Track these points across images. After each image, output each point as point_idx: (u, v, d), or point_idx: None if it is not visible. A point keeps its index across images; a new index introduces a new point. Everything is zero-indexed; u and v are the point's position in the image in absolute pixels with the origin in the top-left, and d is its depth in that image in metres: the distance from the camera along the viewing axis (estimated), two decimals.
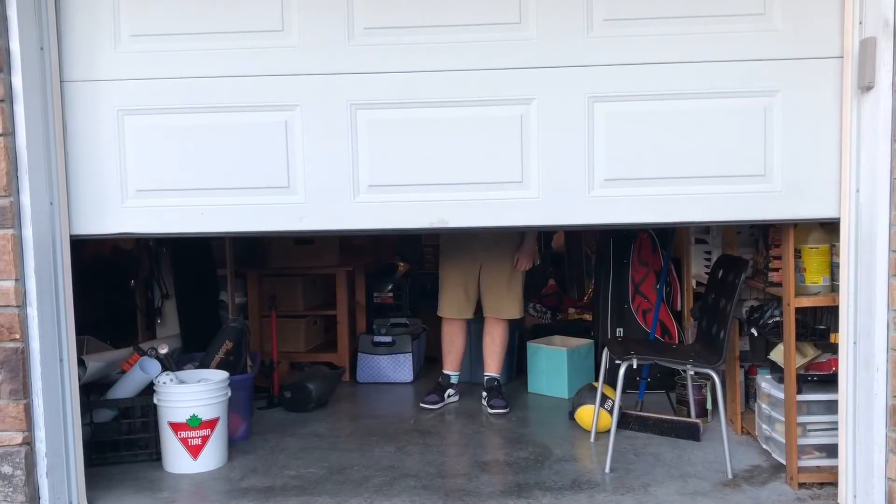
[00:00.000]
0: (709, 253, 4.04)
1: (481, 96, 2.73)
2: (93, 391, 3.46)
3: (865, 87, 2.56)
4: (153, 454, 3.42)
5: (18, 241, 2.56)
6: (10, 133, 2.54)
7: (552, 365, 4.42)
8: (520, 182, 2.75)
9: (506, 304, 4.19)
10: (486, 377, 4.27)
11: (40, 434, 2.63)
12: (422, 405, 4.21)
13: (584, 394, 3.81)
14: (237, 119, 2.75)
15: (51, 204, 2.68)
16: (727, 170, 2.72)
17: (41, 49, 2.62)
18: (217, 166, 2.77)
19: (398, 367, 4.79)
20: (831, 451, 2.90)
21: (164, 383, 3.34)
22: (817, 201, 2.71)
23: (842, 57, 2.63)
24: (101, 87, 2.73)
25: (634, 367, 3.33)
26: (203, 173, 2.77)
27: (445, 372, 4.34)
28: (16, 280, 2.56)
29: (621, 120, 2.72)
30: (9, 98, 2.52)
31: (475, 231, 3.63)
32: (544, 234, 8.03)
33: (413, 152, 2.75)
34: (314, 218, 2.77)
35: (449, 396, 4.29)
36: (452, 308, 4.25)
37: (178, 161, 2.77)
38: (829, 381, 2.93)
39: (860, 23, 2.57)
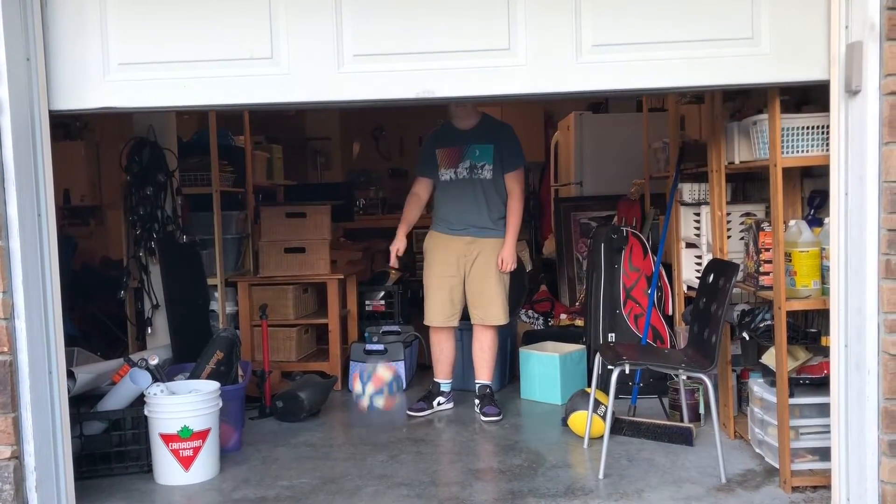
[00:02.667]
0: (699, 257, 4.05)
1: None
2: (82, 403, 3.43)
3: (853, 91, 2.57)
4: (144, 466, 3.39)
5: (6, 253, 2.54)
6: None
7: (545, 371, 4.41)
8: (507, 49, 2.71)
9: (492, 311, 4.17)
10: (477, 385, 4.25)
11: (29, 448, 2.60)
12: (408, 413, 4.20)
13: (576, 400, 3.80)
14: None
15: (38, 215, 2.66)
16: (715, 33, 2.67)
17: (27, 59, 2.61)
18: (200, 38, 2.71)
19: None
20: (824, 454, 2.90)
21: (155, 394, 3.31)
22: (805, 63, 2.66)
23: None
24: None
25: (627, 372, 3.33)
26: (186, 45, 2.72)
27: (436, 380, 4.32)
28: (3, 292, 2.53)
29: None
30: None
31: (461, 100, 3.53)
32: (535, 241, 8.06)
33: (399, 20, 2.70)
34: (298, 89, 2.73)
35: (439, 404, 4.27)
36: (438, 316, 4.22)
37: (161, 33, 2.72)
38: (822, 385, 2.94)
39: (846, 27, 2.58)
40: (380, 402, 4.03)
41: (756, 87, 2.95)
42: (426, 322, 4.29)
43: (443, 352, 4.30)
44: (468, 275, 4.18)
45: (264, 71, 2.73)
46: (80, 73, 2.72)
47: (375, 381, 4.03)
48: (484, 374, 4.24)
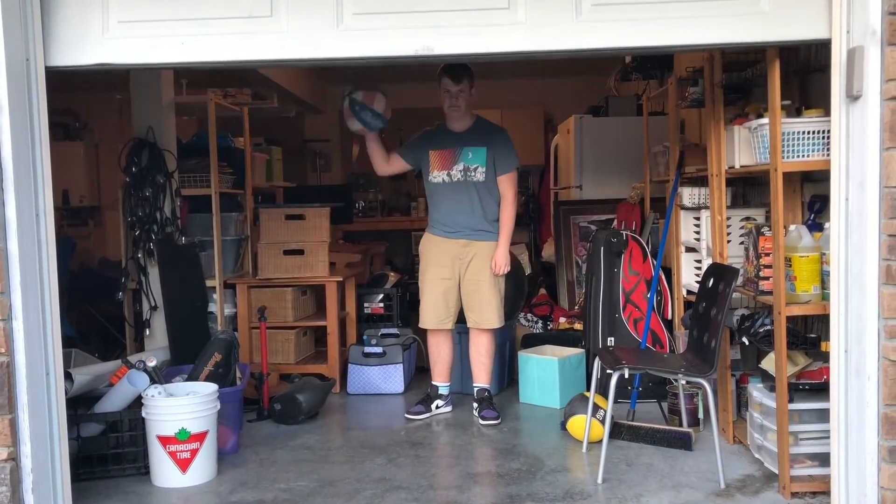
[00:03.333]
0: (699, 261, 4.04)
1: None
2: (80, 405, 3.42)
3: (853, 96, 2.56)
4: (141, 468, 3.38)
5: (4, 254, 2.53)
6: None
7: (544, 375, 4.41)
8: (507, 8, 2.70)
9: (486, 314, 4.15)
10: (475, 388, 4.24)
11: (26, 449, 2.59)
12: (406, 415, 4.19)
13: (575, 404, 3.79)
14: None
15: (36, 216, 2.65)
16: None
17: (27, 60, 2.60)
18: None
19: (389, 378, 4.76)
20: (824, 459, 2.89)
21: (153, 396, 3.30)
22: (806, 23, 2.64)
23: None
24: None
25: (626, 376, 3.32)
26: (186, 3, 2.72)
27: (434, 383, 4.31)
28: (0, 293, 2.52)
29: None
30: None
31: (460, 59, 3.52)
32: (534, 244, 8.06)
33: None
34: (297, 47, 2.72)
35: (438, 408, 4.26)
36: (432, 319, 4.20)
37: None
38: (821, 390, 2.93)
39: (847, 32, 2.58)
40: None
41: (757, 46, 2.93)
42: (421, 325, 4.29)
43: (440, 355, 4.29)
44: (463, 277, 4.16)
45: (263, 28, 2.73)
46: (78, 30, 2.71)
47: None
48: (482, 377, 4.24)
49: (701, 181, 3.98)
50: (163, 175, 4.47)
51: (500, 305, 4.20)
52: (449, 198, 4.15)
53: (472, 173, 4.11)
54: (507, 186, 4.14)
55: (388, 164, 4.34)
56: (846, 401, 2.66)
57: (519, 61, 3.93)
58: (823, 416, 2.85)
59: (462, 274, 4.16)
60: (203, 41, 2.74)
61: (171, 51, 2.75)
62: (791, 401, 2.99)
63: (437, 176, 4.17)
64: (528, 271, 5.77)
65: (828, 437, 2.78)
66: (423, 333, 4.45)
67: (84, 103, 8.68)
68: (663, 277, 4.41)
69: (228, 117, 5.26)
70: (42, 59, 2.67)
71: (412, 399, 4.44)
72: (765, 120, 3.07)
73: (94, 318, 5.62)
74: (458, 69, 4.13)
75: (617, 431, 3.71)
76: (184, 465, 3.27)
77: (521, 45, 2.73)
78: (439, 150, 4.18)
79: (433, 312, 4.20)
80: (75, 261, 5.97)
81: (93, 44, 2.73)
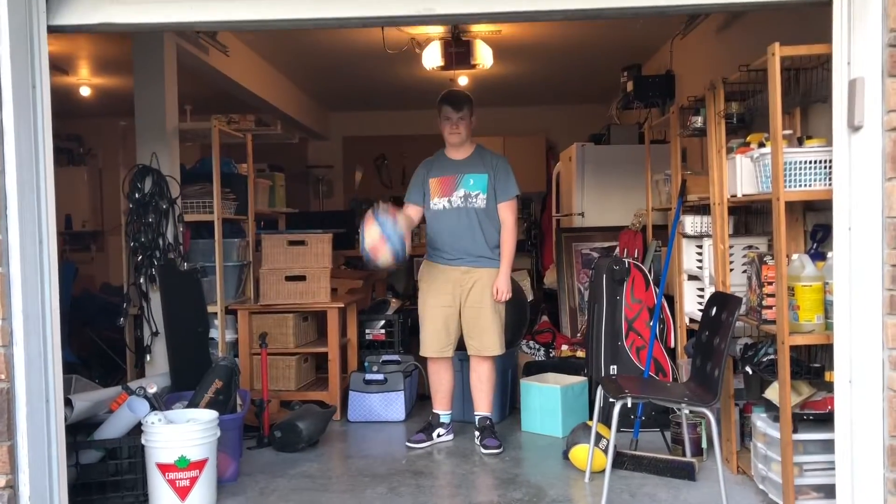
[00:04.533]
0: (701, 290, 4.03)
1: None
2: (79, 431, 3.40)
3: (855, 127, 2.57)
4: (140, 496, 3.36)
5: (6, 280, 2.53)
6: (0, 170, 2.52)
7: (546, 403, 4.38)
8: None
9: (487, 341, 4.13)
10: (477, 416, 4.22)
11: (24, 477, 2.56)
12: (407, 444, 4.17)
13: (578, 433, 3.77)
14: None
15: (39, 241, 2.65)
16: None
17: (33, 87, 2.62)
18: None
19: (390, 406, 4.73)
20: (829, 491, 2.86)
21: (153, 423, 3.28)
22: None
23: None
24: None
25: (629, 405, 3.30)
26: None
27: (435, 411, 4.29)
28: (2, 319, 2.52)
29: None
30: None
31: (461, 20, 3.46)
32: (536, 271, 8.05)
33: None
34: (299, 6, 2.71)
35: (439, 436, 4.23)
36: (433, 346, 4.17)
37: None
38: (826, 420, 2.91)
39: (848, 63, 2.59)
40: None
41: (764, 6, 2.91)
42: (421, 353, 4.26)
43: (441, 383, 4.26)
44: (464, 304, 4.14)
45: None
46: None
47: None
48: (483, 405, 4.21)
49: (703, 209, 3.98)
50: (166, 201, 4.49)
51: (501, 332, 4.18)
52: (449, 225, 4.14)
53: (473, 200, 4.11)
54: (507, 213, 4.14)
55: (417, 218, 4.27)
56: (851, 432, 2.64)
57: (522, 22, 3.83)
58: (828, 446, 2.83)
59: (463, 301, 4.14)
60: (205, 2, 2.72)
61: (175, 12, 2.73)
62: (795, 431, 2.97)
63: (437, 203, 4.16)
64: (530, 298, 5.76)
65: (833, 469, 2.75)
66: (424, 361, 4.43)
67: (88, 129, 8.74)
68: (666, 305, 4.40)
69: (232, 143, 5.28)
70: (48, 77, 2.67)
71: (413, 427, 4.41)
72: (767, 149, 3.08)
73: (95, 344, 5.61)
74: (459, 97, 4.16)
75: (620, 461, 3.68)
76: (183, 493, 3.24)
77: (524, 6, 2.70)
78: (439, 178, 4.18)
79: (434, 340, 4.17)
80: (77, 286, 5.97)
81: (97, 3, 2.71)
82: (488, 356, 4.16)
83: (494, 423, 4.25)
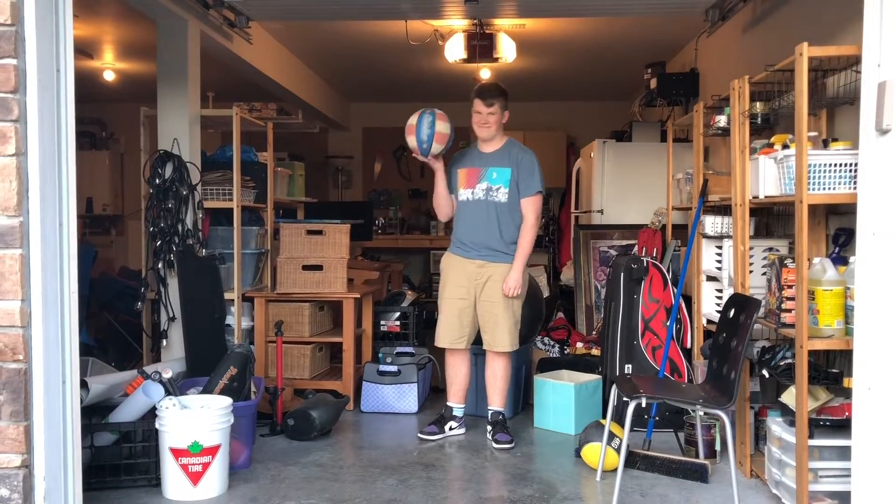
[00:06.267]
0: (720, 291, 4.00)
1: None
2: (94, 414, 3.43)
3: (882, 130, 2.53)
4: (153, 480, 3.38)
5: (26, 262, 2.55)
6: (23, 153, 2.54)
7: (559, 400, 4.37)
8: None
9: (498, 337, 4.12)
10: (490, 411, 4.21)
11: (39, 457, 2.58)
12: (419, 435, 4.17)
13: (591, 431, 3.75)
14: None
15: (60, 224, 2.67)
16: None
17: (57, 71, 2.63)
18: None
19: (403, 398, 4.74)
20: (844, 498, 2.83)
21: (167, 408, 3.30)
22: None
23: None
24: None
25: (643, 405, 3.28)
26: None
27: (449, 404, 4.29)
28: (22, 300, 2.53)
29: None
30: (23, 118, 2.52)
31: None
32: (553, 267, 8.02)
33: None
34: None
35: (451, 429, 4.22)
36: (445, 337, 4.19)
37: None
38: (843, 427, 2.88)
39: (878, 65, 2.55)
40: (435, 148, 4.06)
41: None
42: (436, 343, 4.27)
43: (457, 375, 4.26)
44: (478, 298, 4.14)
45: None
46: None
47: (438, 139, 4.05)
48: (496, 400, 4.20)
49: (724, 210, 3.95)
50: (186, 187, 4.50)
51: (514, 329, 4.16)
52: (469, 216, 4.16)
53: (494, 193, 4.11)
54: (528, 209, 4.12)
55: (451, 206, 4.28)
56: (869, 439, 2.61)
57: None
58: (844, 453, 2.80)
59: (477, 295, 4.14)
60: None
61: None
62: (811, 437, 2.94)
63: (462, 194, 4.18)
64: (546, 294, 5.74)
65: (849, 476, 2.72)
66: (439, 354, 4.43)
67: (111, 113, 8.80)
68: (683, 306, 4.36)
69: (253, 132, 5.30)
70: (72, 61, 2.67)
71: (426, 419, 4.41)
72: (791, 151, 3.04)
73: (112, 327, 5.65)
74: (490, 91, 4.16)
75: (632, 461, 3.66)
76: (195, 478, 3.26)
77: None
78: (466, 168, 4.21)
79: (447, 331, 4.19)
80: (96, 269, 6.02)
81: None
82: (501, 352, 4.15)
83: (507, 418, 4.24)
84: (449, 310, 4.17)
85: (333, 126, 9.35)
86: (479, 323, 4.18)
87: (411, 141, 4.08)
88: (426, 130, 4.02)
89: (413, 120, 4.08)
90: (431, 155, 4.09)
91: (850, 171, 2.89)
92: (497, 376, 4.19)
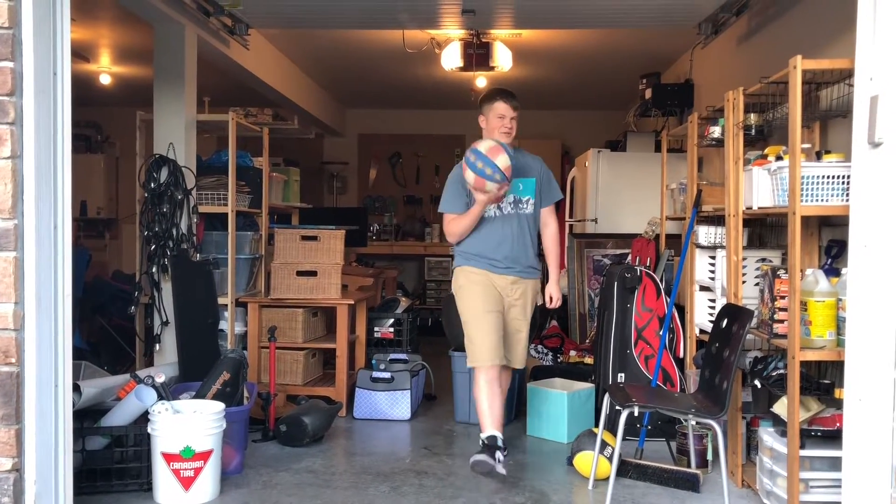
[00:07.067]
0: (713, 301, 4.01)
1: None
2: (86, 417, 3.42)
3: (875, 143, 2.55)
4: (144, 484, 3.37)
5: (20, 264, 2.54)
6: (18, 156, 2.54)
7: (552, 408, 4.37)
8: None
9: (520, 353, 3.91)
10: (484, 437, 3.61)
11: (30, 461, 2.57)
12: (481, 460, 3.45)
13: (583, 439, 3.76)
14: None
15: (54, 227, 2.66)
16: None
17: (54, 74, 2.63)
18: None
19: (396, 404, 4.73)
20: None
21: (159, 413, 3.30)
22: None
23: None
24: None
25: (636, 414, 3.29)
26: None
27: (493, 433, 3.57)
28: (15, 303, 2.53)
29: None
30: (19, 121, 2.52)
31: None
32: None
33: None
34: None
35: (500, 461, 3.51)
36: (491, 354, 3.66)
37: None
38: (834, 437, 2.89)
39: (871, 79, 2.57)
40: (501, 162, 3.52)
41: None
42: (473, 363, 3.71)
43: (495, 396, 3.67)
44: (506, 314, 3.83)
45: None
46: None
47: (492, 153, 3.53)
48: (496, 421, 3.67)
49: (717, 220, 3.97)
50: (181, 191, 4.50)
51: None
52: (500, 233, 3.78)
53: (524, 206, 3.83)
54: (552, 217, 3.97)
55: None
56: (859, 450, 2.62)
57: None
58: (835, 464, 2.81)
59: (506, 310, 3.83)
60: None
61: None
62: (803, 447, 2.95)
63: (487, 209, 3.76)
64: (539, 302, 5.74)
65: (839, 486, 2.73)
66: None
67: (107, 117, 8.79)
68: (676, 315, 4.38)
69: (248, 137, 5.30)
70: (69, 64, 2.68)
71: (418, 426, 4.40)
72: (784, 162, 3.06)
73: (105, 330, 5.64)
74: (511, 94, 3.85)
75: (624, 469, 3.67)
76: (187, 483, 3.25)
77: None
78: None
79: (493, 347, 3.67)
80: (89, 272, 6.00)
81: None
82: (515, 368, 4.00)
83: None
84: (489, 324, 3.70)
85: (329, 132, 9.36)
86: (504, 339, 3.79)
87: (501, 165, 3.51)
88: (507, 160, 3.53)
89: (504, 162, 3.53)
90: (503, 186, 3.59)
91: (843, 183, 2.91)
92: (504, 392, 3.89)
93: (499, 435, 3.58)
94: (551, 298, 3.93)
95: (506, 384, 3.98)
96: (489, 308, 3.74)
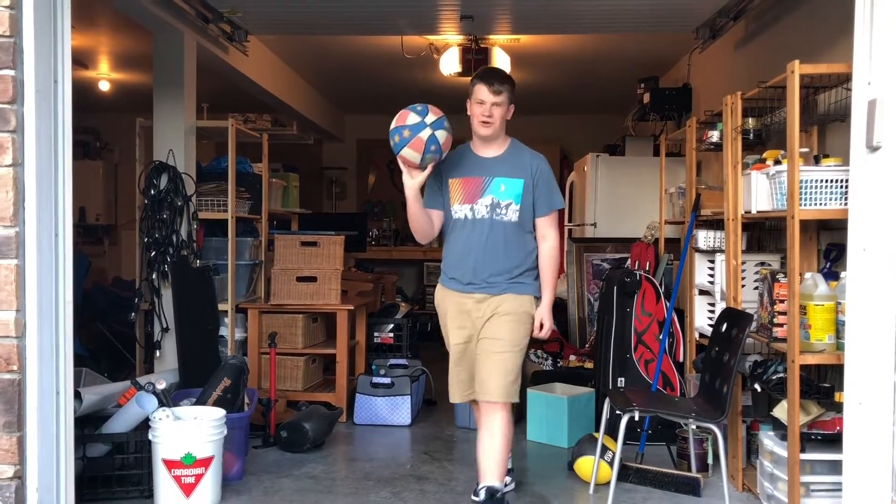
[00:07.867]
0: (712, 305, 4.02)
1: None
2: (87, 424, 3.42)
3: (873, 147, 2.56)
4: (145, 491, 3.37)
5: (21, 272, 2.55)
6: (20, 164, 2.54)
7: (552, 413, 4.37)
8: None
9: (493, 383, 3.20)
10: (482, 488, 3.18)
11: (32, 468, 2.58)
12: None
13: (584, 444, 3.76)
14: None
15: (55, 235, 2.67)
16: None
17: (55, 82, 2.64)
18: None
19: (396, 410, 4.73)
20: None
21: (160, 419, 3.30)
22: None
23: None
24: None
25: (636, 418, 3.29)
26: None
27: (485, 485, 3.19)
28: (17, 311, 2.54)
29: None
30: (20, 129, 2.53)
31: None
32: None
33: None
34: None
35: (506, 485, 3.33)
36: (455, 391, 3.37)
37: None
38: (834, 441, 2.90)
39: (868, 83, 2.58)
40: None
41: None
42: (450, 398, 3.43)
43: (482, 442, 3.25)
44: (477, 337, 3.27)
45: None
46: None
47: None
48: (492, 473, 3.22)
49: (716, 224, 3.97)
50: (181, 198, 4.51)
51: (514, 375, 3.21)
52: (467, 239, 3.23)
53: (502, 211, 3.20)
54: (549, 229, 3.29)
55: (431, 226, 3.31)
56: (860, 454, 2.62)
57: None
58: (836, 467, 2.81)
59: (476, 334, 3.27)
60: None
61: None
62: (803, 451, 2.96)
63: (457, 210, 3.24)
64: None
65: (839, 490, 2.73)
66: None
67: (106, 123, 8.80)
68: (676, 319, 4.38)
69: (248, 143, 5.31)
70: (69, 72, 2.69)
71: (419, 432, 4.40)
72: (783, 166, 3.07)
73: (105, 337, 5.63)
74: (497, 75, 3.24)
75: (625, 474, 3.67)
76: (188, 489, 3.25)
77: None
78: (462, 178, 3.24)
79: (453, 381, 3.34)
80: (89, 279, 6.00)
81: None
82: (496, 402, 3.18)
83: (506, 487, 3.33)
84: (454, 357, 3.32)
85: (328, 137, 9.37)
86: (476, 365, 3.26)
87: (417, 148, 3.05)
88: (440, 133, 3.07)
89: (413, 119, 3.07)
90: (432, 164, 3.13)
91: (841, 186, 2.92)
92: (494, 435, 3.17)
93: (493, 485, 3.14)
94: (542, 325, 3.28)
95: (499, 428, 3.18)
96: (456, 339, 3.30)
